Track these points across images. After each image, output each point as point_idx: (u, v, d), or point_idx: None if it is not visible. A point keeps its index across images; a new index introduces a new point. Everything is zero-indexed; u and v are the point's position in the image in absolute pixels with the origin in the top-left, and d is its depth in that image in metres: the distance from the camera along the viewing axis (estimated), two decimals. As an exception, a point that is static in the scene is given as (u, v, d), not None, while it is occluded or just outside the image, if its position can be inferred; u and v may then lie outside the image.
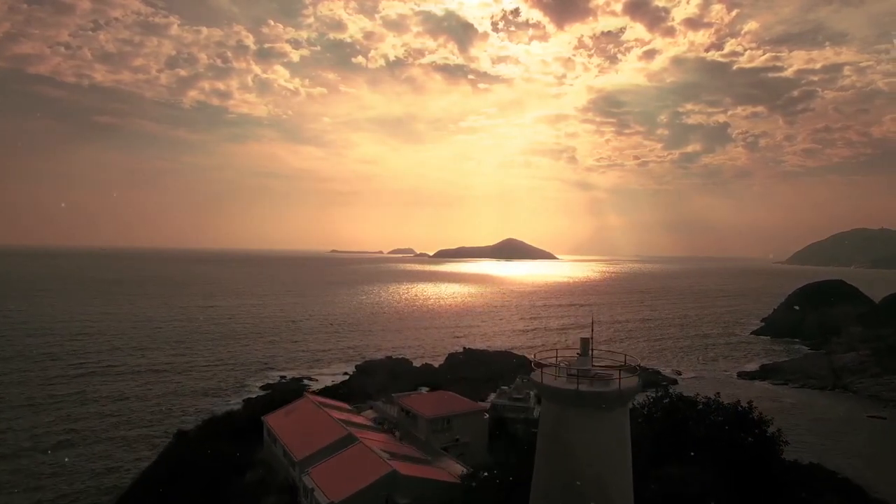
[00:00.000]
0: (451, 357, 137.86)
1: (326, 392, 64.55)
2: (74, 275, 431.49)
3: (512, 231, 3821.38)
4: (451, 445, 42.72)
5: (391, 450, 34.62)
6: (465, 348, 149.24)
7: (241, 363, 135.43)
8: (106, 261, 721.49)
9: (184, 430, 53.50)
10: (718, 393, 37.95)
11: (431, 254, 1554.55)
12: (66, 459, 72.71)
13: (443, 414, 43.67)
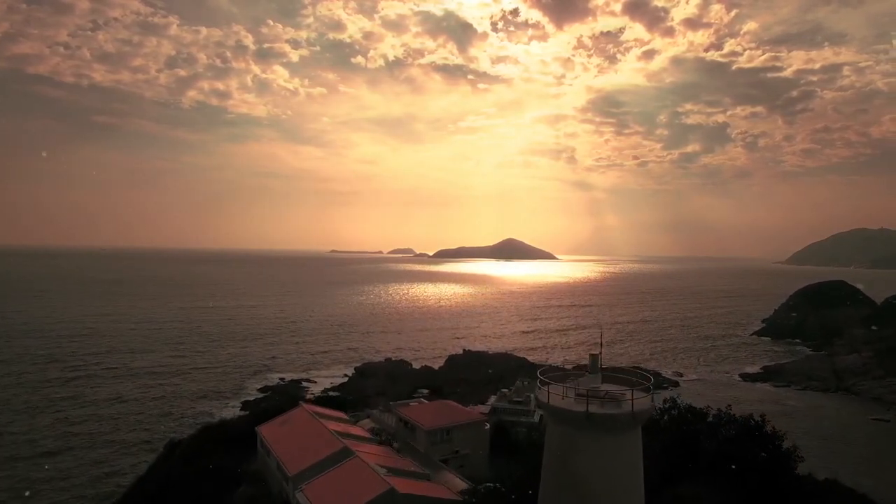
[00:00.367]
0: (451, 358, 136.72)
1: (322, 401, 63.16)
2: (74, 275, 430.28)
3: (511, 231, 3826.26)
4: (451, 457, 41.43)
5: (389, 464, 33.34)
6: (464, 350, 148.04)
7: (240, 365, 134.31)
8: (106, 261, 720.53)
9: (174, 441, 52.10)
10: (730, 406, 36.57)
11: (431, 254, 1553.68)
12: (63, 465, 71.66)
13: (442, 425, 42.35)
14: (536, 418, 71.97)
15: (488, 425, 46.95)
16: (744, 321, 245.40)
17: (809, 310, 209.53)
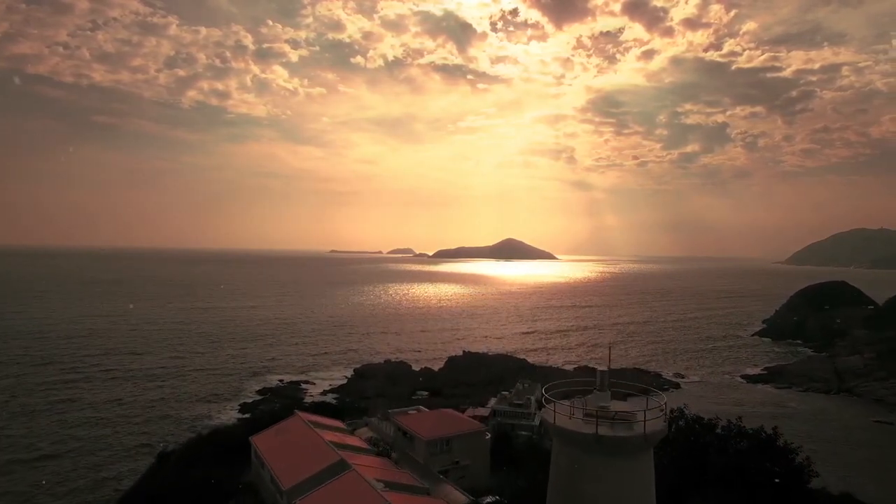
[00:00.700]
0: (451, 360, 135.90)
1: (319, 408, 62.07)
2: (74, 275, 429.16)
3: (511, 231, 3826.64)
4: (451, 468, 40.32)
5: (386, 478, 32.26)
6: (464, 351, 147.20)
7: (239, 366, 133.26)
8: (105, 261, 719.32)
9: (166, 450, 51.00)
10: (740, 417, 35.40)
11: (431, 254, 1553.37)
12: (61, 469, 70.80)
13: (442, 435, 41.20)
14: (537, 421, 71.09)
15: (489, 434, 45.80)
16: (744, 322, 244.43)
17: (810, 310, 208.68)
